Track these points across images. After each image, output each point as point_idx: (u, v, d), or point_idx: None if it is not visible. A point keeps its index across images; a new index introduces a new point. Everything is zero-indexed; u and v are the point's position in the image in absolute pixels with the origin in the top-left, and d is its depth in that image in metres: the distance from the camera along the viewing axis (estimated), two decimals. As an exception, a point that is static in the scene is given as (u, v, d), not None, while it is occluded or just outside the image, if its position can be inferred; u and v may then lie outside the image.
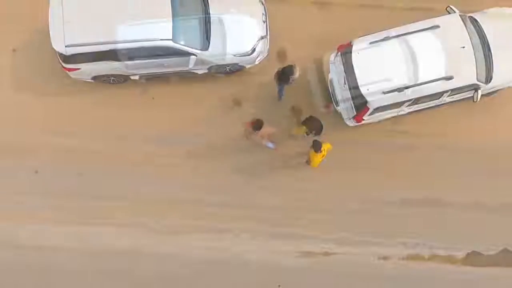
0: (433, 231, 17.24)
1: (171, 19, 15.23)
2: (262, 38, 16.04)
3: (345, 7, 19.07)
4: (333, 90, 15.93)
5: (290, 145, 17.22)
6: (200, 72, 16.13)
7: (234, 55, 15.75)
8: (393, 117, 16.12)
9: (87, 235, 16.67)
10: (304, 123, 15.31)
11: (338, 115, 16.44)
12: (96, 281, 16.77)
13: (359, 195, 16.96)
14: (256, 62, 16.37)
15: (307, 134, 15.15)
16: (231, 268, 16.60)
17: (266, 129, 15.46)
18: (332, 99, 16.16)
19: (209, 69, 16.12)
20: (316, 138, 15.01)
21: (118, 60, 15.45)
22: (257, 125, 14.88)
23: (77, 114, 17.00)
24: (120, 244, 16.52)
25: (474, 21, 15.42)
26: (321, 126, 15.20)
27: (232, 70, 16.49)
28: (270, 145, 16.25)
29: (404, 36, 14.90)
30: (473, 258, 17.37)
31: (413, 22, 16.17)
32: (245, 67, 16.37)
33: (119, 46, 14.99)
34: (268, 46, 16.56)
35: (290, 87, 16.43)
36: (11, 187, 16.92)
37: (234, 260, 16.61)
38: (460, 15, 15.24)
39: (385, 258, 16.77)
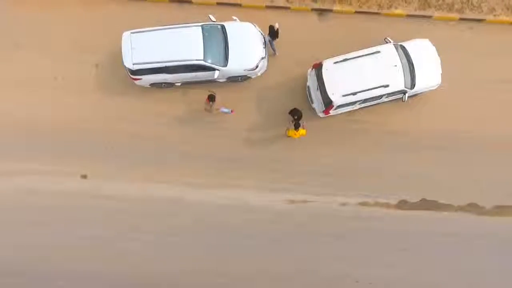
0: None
1: (202, 45, 20.62)
2: (262, 58, 21.30)
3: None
4: (309, 93, 21.41)
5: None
6: (221, 80, 21.59)
7: (244, 70, 21.25)
8: (349, 111, 21.54)
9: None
10: (290, 112, 21.04)
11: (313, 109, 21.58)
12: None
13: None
14: (259, 74, 21.82)
15: (293, 121, 20.80)
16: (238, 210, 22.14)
17: (219, 103, 20.89)
18: (309, 99, 21.56)
19: (227, 78, 21.56)
20: (299, 121, 20.68)
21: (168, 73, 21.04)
22: (212, 97, 20.42)
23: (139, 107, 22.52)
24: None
25: (403, 48, 20.78)
26: (301, 113, 20.95)
27: (242, 80, 21.95)
28: (225, 110, 21.30)
29: (356, 58, 20.19)
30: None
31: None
32: (251, 77, 21.91)
33: (168, 64, 20.55)
34: (267, 64, 21.75)
35: (289, 94, 21.99)
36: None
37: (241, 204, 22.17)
38: (393, 44, 20.62)
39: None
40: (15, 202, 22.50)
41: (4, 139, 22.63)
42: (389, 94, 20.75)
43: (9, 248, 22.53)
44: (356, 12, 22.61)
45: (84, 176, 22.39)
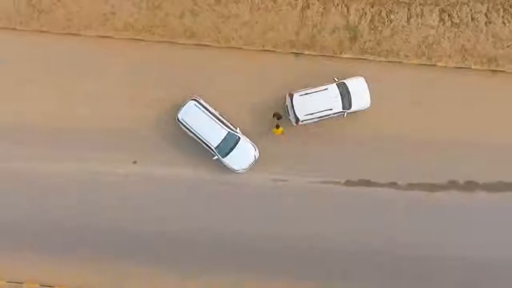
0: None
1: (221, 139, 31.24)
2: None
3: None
4: (287, 109, 32.29)
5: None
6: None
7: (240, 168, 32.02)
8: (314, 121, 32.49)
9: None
10: (274, 114, 32.61)
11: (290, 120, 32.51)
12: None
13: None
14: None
15: (276, 118, 32.48)
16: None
17: None
18: (286, 112, 32.41)
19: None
20: (278, 120, 32.19)
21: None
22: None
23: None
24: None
25: (344, 84, 31.81)
26: (281, 115, 32.48)
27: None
28: None
29: (313, 93, 31.45)
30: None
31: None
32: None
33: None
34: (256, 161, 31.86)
35: (274, 109, 32.66)
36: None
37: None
38: (336, 83, 31.77)
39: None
40: (79, 181, 31.56)
41: (74, 135, 31.76)
42: (334, 113, 32.18)
43: (76, 214, 31.81)
44: (319, 55, 33.25)
45: (135, 162, 32.04)
